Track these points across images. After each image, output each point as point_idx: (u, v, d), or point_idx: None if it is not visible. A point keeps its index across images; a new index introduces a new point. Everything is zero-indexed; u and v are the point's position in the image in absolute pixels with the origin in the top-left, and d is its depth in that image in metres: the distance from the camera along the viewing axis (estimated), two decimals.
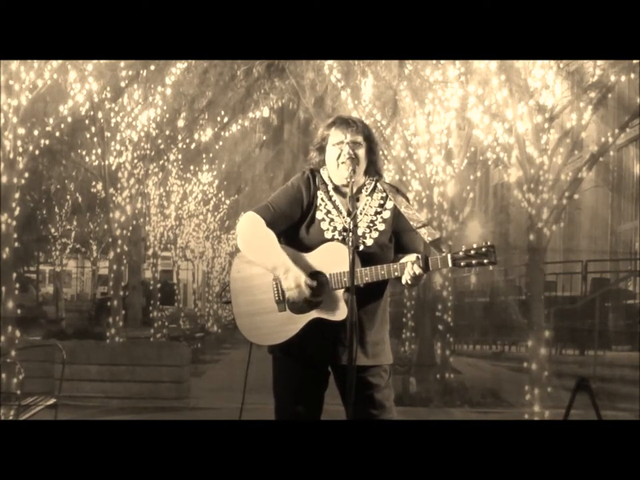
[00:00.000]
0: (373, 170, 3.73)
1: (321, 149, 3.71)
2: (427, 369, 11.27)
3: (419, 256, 3.50)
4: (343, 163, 3.61)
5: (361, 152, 3.64)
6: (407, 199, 3.72)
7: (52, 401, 6.42)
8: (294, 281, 3.51)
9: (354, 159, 3.60)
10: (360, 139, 3.64)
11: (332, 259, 3.55)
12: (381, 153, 3.87)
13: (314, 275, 3.57)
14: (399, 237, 3.70)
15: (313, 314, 3.56)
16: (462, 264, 3.47)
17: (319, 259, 3.58)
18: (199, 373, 12.84)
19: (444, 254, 3.48)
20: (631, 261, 16.17)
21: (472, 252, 3.46)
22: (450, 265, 3.47)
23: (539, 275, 9.14)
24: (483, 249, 3.45)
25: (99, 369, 9.95)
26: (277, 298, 3.60)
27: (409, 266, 3.46)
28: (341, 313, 3.52)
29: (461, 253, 3.47)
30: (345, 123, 3.66)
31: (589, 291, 14.13)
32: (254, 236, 3.61)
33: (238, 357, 15.13)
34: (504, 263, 17.97)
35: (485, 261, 3.45)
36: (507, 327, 13.92)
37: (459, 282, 18.22)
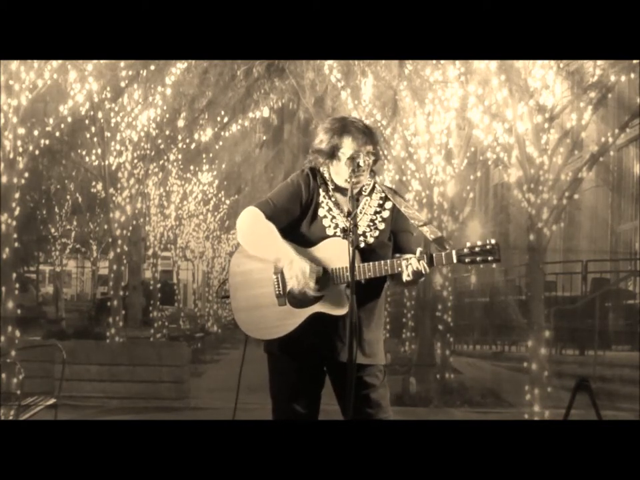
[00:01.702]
0: (373, 170, 3.76)
1: (332, 156, 3.65)
2: (427, 369, 11.27)
3: (423, 252, 3.50)
4: (360, 172, 3.60)
5: (372, 158, 3.67)
6: (405, 201, 3.74)
7: (52, 401, 6.42)
8: (300, 270, 3.50)
9: (368, 167, 3.64)
10: (371, 147, 3.65)
11: (334, 254, 3.56)
12: (379, 152, 3.88)
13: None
14: (396, 238, 3.72)
15: (314, 308, 3.55)
16: (466, 260, 3.46)
17: (320, 254, 3.59)
18: (198, 373, 12.84)
19: (448, 250, 3.48)
20: (631, 261, 16.17)
21: (477, 249, 3.46)
22: (455, 261, 3.47)
23: (539, 274, 9.13)
24: (488, 247, 3.46)
25: (98, 369, 9.95)
26: (277, 292, 3.59)
27: (413, 261, 3.47)
28: (342, 307, 3.52)
29: (465, 250, 3.47)
30: (360, 132, 3.63)
31: (589, 291, 14.12)
32: (255, 229, 3.60)
33: (238, 357, 15.02)
34: (504, 263, 17.95)
35: (490, 258, 3.46)
36: (507, 327, 13.92)
37: (459, 282, 18.22)
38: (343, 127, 3.65)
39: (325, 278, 3.55)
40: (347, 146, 3.62)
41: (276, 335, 3.60)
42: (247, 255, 3.65)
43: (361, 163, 3.60)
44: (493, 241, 3.47)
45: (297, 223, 3.67)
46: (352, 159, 3.60)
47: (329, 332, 3.56)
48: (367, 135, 3.64)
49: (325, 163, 3.70)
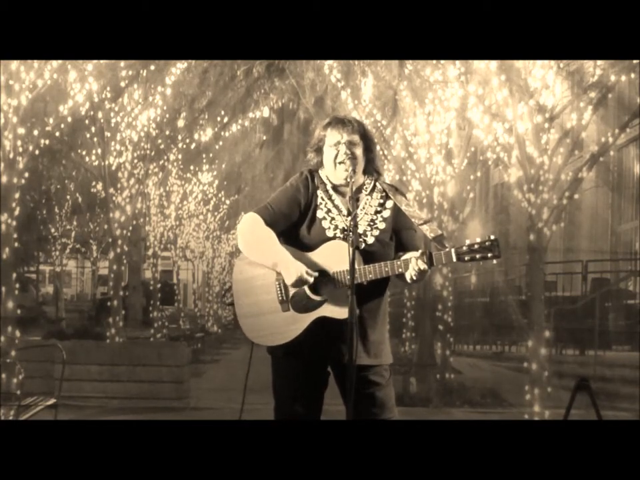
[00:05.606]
0: (371, 169, 3.74)
1: (319, 150, 3.72)
2: (427, 369, 11.28)
3: (423, 251, 3.49)
4: (340, 163, 3.62)
5: (358, 151, 3.65)
6: (406, 199, 3.73)
7: (52, 401, 6.42)
8: (296, 273, 3.50)
9: (352, 159, 3.61)
10: (356, 138, 3.64)
11: (335, 257, 3.55)
12: (380, 152, 3.88)
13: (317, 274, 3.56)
14: (398, 236, 3.71)
15: (318, 312, 3.54)
16: (466, 258, 3.45)
17: (321, 257, 3.58)
18: (199, 373, 12.84)
19: (447, 249, 3.47)
20: (631, 261, 16.19)
21: (476, 246, 3.44)
22: (454, 259, 3.45)
23: (539, 274, 9.12)
24: (487, 243, 3.44)
25: (98, 369, 9.94)
26: (280, 298, 3.59)
27: (413, 261, 3.45)
28: (346, 310, 3.51)
29: (464, 248, 3.45)
30: (341, 122, 3.66)
31: (589, 291, 14.14)
32: (254, 236, 3.61)
33: (238, 357, 15.14)
34: (504, 263, 17.99)
35: (489, 254, 3.44)
36: (507, 327, 13.93)
37: (459, 282, 18.22)
38: (329, 121, 3.71)
39: (326, 281, 3.54)
40: (328, 135, 3.66)
41: (281, 341, 3.59)
42: (249, 262, 3.65)
43: (341, 152, 3.60)
44: (492, 237, 3.46)
45: (297, 227, 3.66)
46: (330, 147, 3.63)
47: (334, 335, 3.54)
48: (349, 125, 3.64)
49: (317, 160, 3.72)
